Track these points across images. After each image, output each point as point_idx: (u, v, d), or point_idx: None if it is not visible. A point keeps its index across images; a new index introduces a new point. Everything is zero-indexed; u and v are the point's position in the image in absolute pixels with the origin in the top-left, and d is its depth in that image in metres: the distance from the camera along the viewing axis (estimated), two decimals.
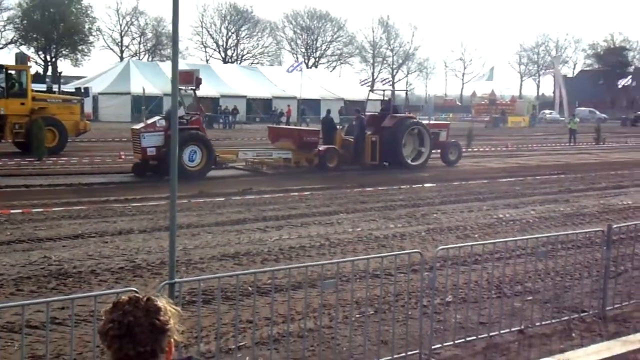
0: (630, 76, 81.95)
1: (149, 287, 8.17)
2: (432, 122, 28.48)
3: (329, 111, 29.71)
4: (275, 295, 7.12)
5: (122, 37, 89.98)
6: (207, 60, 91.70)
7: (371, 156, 24.44)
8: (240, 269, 9.67)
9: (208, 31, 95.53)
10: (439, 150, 26.93)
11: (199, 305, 6.48)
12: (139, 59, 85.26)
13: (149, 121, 21.77)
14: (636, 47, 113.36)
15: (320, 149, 23.90)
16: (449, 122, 34.01)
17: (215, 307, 7.14)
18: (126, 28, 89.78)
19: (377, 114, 26.43)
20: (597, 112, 79.65)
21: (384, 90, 34.27)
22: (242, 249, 11.20)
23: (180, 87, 22.38)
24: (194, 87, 21.53)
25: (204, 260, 10.42)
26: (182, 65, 63.65)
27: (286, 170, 23.17)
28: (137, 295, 2.34)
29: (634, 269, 9.46)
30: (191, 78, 21.28)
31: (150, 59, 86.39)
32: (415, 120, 26.76)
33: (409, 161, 25.10)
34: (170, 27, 5.87)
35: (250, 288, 7.73)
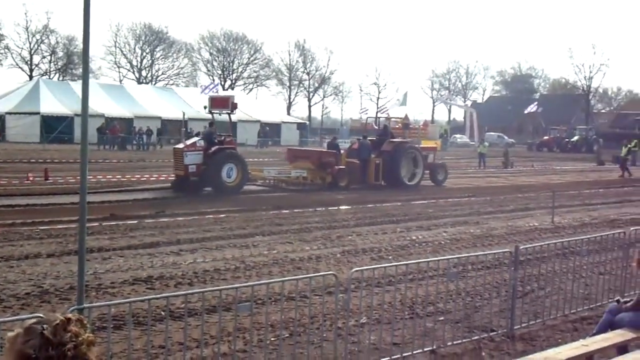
0: (536, 102, 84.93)
1: (57, 313, 7.91)
2: (421, 145, 31.14)
3: (335, 137, 32.39)
4: (189, 319, 7.01)
5: (31, 55, 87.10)
6: (120, 81, 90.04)
7: (374, 176, 26.98)
8: (153, 294, 9.48)
9: (122, 51, 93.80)
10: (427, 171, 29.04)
11: (109, 330, 6.31)
12: (50, 78, 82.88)
13: (189, 141, 24.61)
14: (541, 75, 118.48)
15: (334, 169, 26.37)
16: (436, 146, 36.45)
17: (126, 333, 6.97)
18: (36, 46, 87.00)
19: (375, 139, 28.69)
20: (505, 137, 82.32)
21: (378, 118, 37.25)
22: (155, 273, 10.99)
23: (214, 112, 24.95)
24: (229, 112, 24.25)
25: (115, 285, 10.16)
26: (94, 85, 62.56)
27: (303, 187, 25.71)
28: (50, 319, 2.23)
29: (540, 289, 9.78)
30: (227, 103, 24.53)
31: (61, 78, 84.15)
32: (410, 144, 29.50)
33: (406, 181, 27.49)
34: (81, 46, 5.76)
35: (163, 312, 7.59)
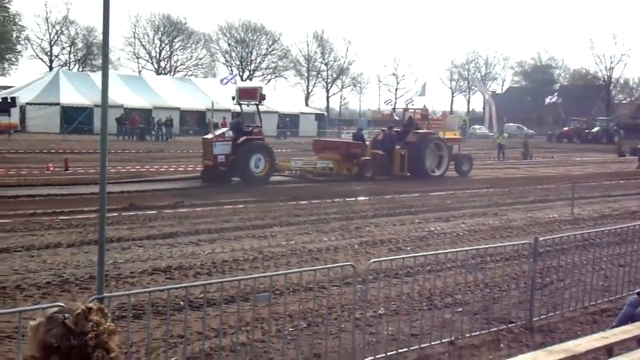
0: (556, 93, 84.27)
1: (78, 303, 7.98)
2: (446, 136, 30.93)
3: (360, 129, 32.59)
4: (208, 309, 7.06)
5: (51, 46, 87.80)
6: (139, 72, 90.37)
7: (400, 168, 27.30)
8: (171, 283, 9.54)
9: (141, 42, 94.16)
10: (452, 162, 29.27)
11: (129, 320, 6.35)
12: (69, 68, 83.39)
13: (218, 132, 25.01)
14: (561, 65, 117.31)
15: (360, 160, 26.57)
16: (460, 137, 36.22)
17: (145, 322, 7.02)
18: (56, 37, 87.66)
19: (400, 130, 28.87)
20: (525, 128, 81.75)
21: (405, 109, 37.08)
22: (174, 263, 11.05)
23: (242, 102, 25.55)
24: (257, 102, 24.85)
25: (135, 275, 10.23)
26: (113, 76, 62.85)
27: (329, 178, 26.00)
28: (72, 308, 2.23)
29: (559, 281, 9.73)
30: (255, 94, 24.91)
31: (80, 69, 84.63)
32: (436, 135, 29.53)
33: (431, 172, 27.86)
34: (101, 37, 5.78)
35: (182, 302, 7.63)
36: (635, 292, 7.81)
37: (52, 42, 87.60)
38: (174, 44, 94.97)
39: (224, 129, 25.18)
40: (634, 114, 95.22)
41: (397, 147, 27.55)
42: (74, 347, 2.14)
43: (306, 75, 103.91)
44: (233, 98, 25.59)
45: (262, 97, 24.67)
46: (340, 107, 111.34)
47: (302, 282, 7.32)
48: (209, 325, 7.36)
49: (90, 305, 2.27)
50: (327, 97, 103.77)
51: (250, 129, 24.86)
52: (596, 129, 74.61)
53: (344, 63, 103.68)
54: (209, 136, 24.73)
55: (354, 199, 20.54)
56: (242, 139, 23.79)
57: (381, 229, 15.04)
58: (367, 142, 28.62)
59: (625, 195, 23.43)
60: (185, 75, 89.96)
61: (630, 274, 9.96)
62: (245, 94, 25.71)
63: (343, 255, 12.10)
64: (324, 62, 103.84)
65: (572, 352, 6.05)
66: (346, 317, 7.90)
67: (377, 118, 35.44)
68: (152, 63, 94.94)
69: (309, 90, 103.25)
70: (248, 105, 26.25)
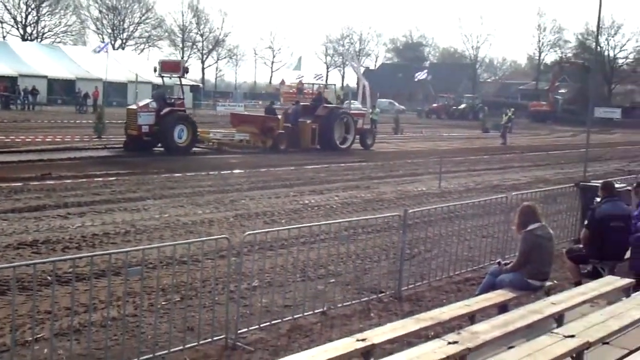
0: (426, 70, 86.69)
1: None
2: (352, 111, 32.43)
3: (272, 102, 32.80)
4: (77, 284, 6.86)
5: None
6: (3, 37, 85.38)
7: (311, 141, 28.39)
8: (38, 258, 9.18)
9: (5, 5, 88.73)
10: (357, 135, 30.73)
11: None
12: None
13: (141, 103, 25.18)
14: (432, 43, 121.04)
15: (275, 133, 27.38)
16: (364, 111, 37.67)
17: (10, 298, 6.73)
18: None
19: (309, 104, 30.22)
20: (396, 104, 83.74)
21: (314, 84, 39.02)
22: (41, 237, 10.65)
23: (164, 75, 26.63)
24: (179, 75, 26.59)
25: None
26: None
27: (244, 151, 26.71)
28: None
29: (427, 251, 10.13)
30: (178, 67, 27.06)
31: None
32: (343, 110, 31.07)
33: (339, 145, 29.22)
34: None
35: (49, 277, 7.37)
36: (496, 261, 8.28)
37: None
38: (41, 8, 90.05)
39: (147, 100, 25.56)
40: (497, 92, 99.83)
41: (308, 120, 28.54)
42: None
43: (181, 45, 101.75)
44: (155, 70, 26.64)
45: (185, 70, 26.61)
46: (215, 79, 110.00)
47: (175, 256, 7.24)
48: (78, 300, 7.16)
49: None
50: (203, 69, 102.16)
51: (172, 100, 25.64)
52: (463, 105, 77.75)
53: (219, 35, 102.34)
54: (133, 107, 25.41)
55: (229, 171, 20.45)
56: (165, 110, 24.47)
57: (256, 202, 15.08)
58: (279, 116, 29.30)
59: (489, 170, 24.61)
60: (54, 42, 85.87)
61: (492, 245, 10.51)
62: (167, 67, 27.17)
63: (218, 228, 12.05)
64: (199, 32, 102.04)
65: (438, 320, 6.35)
66: (220, 290, 7.90)
67: (288, 93, 35.98)
68: (17, 28, 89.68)
69: (163, 60, 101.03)
70: (170, 78, 27.82)
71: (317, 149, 28.43)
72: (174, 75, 27.24)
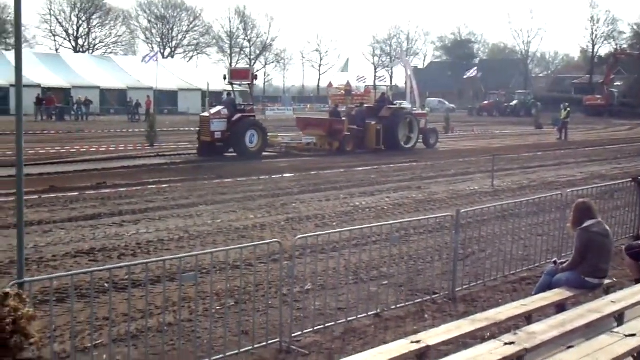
0: (475, 68, 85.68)
1: None
2: (415, 112, 32.93)
3: (337, 105, 32.66)
4: (133, 290, 6.98)
5: None
6: (56, 50, 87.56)
7: (376, 142, 28.82)
8: (95, 266, 9.36)
9: (57, 19, 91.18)
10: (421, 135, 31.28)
11: (51, 304, 6.21)
12: None
13: (213, 110, 26.26)
14: (481, 40, 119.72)
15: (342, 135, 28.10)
16: (426, 112, 37.98)
17: (69, 306, 6.87)
18: None
19: (373, 106, 30.53)
20: (446, 102, 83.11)
21: (377, 86, 39.64)
22: (98, 245, 10.85)
23: (235, 82, 27.70)
24: (249, 82, 27.31)
25: (57, 258, 10.01)
26: (29, 55, 60.76)
27: (313, 153, 27.52)
28: None
29: (481, 251, 10.00)
30: (247, 74, 27.69)
31: None
32: (407, 110, 31.80)
33: (403, 145, 29.75)
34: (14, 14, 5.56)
35: (106, 285, 7.50)
36: (552, 261, 8.12)
37: None
38: (92, 21, 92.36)
39: (219, 107, 26.40)
40: (550, 87, 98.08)
41: (373, 122, 28.96)
42: None
43: (229, 52, 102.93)
44: (224, 77, 27.46)
45: (254, 77, 27.47)
46: (264, 83, 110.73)
47: (229, 261, 7.30)
48: (135, 306, 7.27)
49: (7, 290, 2.23)
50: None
51: (243, 107, 26.45)
52: (514, 102, 76.59)
53: (267, 39, 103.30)
54: (206, 114, 26.47)
55: (280, 176, 20.54)
56: (237, 116, 25.41)
57: (307, 205, 15.11)
58: (344, 119, 29.62)
59: (543, 167, 24.19)
60: (105, 53, 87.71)
61: (548, 243, 10.32)
62: (236, 75, 28.22)
63: (270, 233, 12.11)
64: (246, 38, 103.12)
65: (494, 320, 6.26)
66: (273, 294, 7.94)
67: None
68: (69, 41, 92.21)
69: (233, 67, 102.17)
70: (240, 85, 28.92)
71: (382, 149, 28.80)
72: (243, 83, 28.26)
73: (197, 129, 26.93)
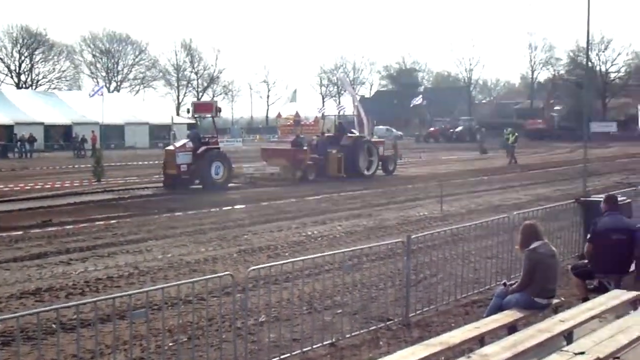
0: (420, 96, 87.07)
1: None
2: (373, 139, 34.41)
3: (298, 136, 33.26)
4: (82, 330, 6.82)
5: None
6: None
7: (337, 169, 29.54)
8: (42, 306, 9.13)
9: None
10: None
11: None
12: None
13: (178, 144, 26.97)
14: (425, 68, 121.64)
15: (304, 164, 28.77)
16: (383, 140, 39.31)
17: (15, 349, 6.68)
18: None
19: (334, 135, 31.96)
20: (394, 130, 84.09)
21: (334, 116, 41.91)
22: (44, 285, 10.60)
23: (197, 116, 28.46)
24: (213, 115, 27.57)
25: (2, 300, 9.74)
26: None
27: (277, 183, 27.65)
28: None
29: (432, 276, 10.08)
30: (210, 107, 28.16)
31: None
32: (366, 139, 32.72)
33: (364, 172, 30.48)
34: None
35: (53, 325, 7.32)
36: (502, 282, 8.24)
37: None
38: (34, 56, 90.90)
39: (184, 141, 26.93)
40: (493, 113, 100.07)
41: (334, 151, 29.81)
42: None
43: (176, 84, 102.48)
44: (188, 111, 28.36)
45: (218, 110, 27.57)
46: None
47: (180, 296, 7.21)
48: (84, 347, 7.10)
49: None
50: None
51: (207, 139, 26.70)
52: (459, 128, 78.01)
53: (214, 71, 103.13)
54: (171, 147, 26.94)
55: (230, 207, 20.43)
56: (202, 148, 25.56)
57: (259, 237, 15.05)
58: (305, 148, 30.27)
59: (489, 190, 24.60)
60: (49, 88, 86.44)
61: (497, 265, 10.45)
62: (200, 108, 29.17)
63: (222, 265, 12.01)
64: (193, 71, 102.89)
65: (448, 344, 6.30)
66: (227, 327, 7.86)
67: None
68: (12, 77, 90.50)
69: (180, 100, 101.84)
70: (204, 118, 29.85)
71: (343, 177, 29.41)
72: (206, 116, 28.70)
73: (162, 161, 27.03)
